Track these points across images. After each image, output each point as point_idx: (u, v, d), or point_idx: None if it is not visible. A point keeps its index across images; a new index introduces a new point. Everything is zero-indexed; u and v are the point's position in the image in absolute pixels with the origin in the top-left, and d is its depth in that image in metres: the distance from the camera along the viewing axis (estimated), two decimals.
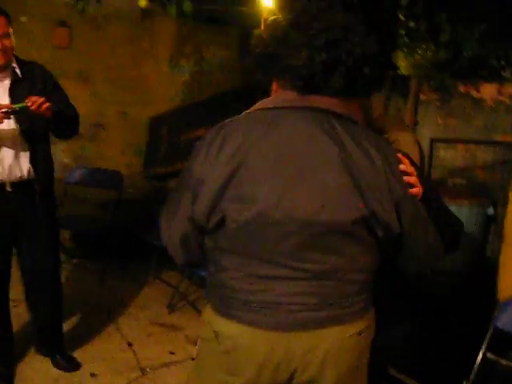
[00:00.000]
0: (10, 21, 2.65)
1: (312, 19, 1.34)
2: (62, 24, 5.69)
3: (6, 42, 2.57)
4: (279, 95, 1.40)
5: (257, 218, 1.31)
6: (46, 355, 3.05)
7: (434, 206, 1.47)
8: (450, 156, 3.82)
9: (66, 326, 3.31)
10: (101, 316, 3.54)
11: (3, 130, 2.60)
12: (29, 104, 2.47)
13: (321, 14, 1.35)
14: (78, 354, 3.11)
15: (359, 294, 1.42)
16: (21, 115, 2.56)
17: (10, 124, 2.62)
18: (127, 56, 5.73)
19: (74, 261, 4.32)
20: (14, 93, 2.62)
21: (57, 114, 2.61)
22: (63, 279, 3.79)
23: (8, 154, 2.66)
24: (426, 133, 4.08)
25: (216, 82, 6.06)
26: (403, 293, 2.19)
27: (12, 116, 2.56)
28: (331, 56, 1.30)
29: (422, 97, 4.14)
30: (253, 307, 1.38)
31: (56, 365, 3.00)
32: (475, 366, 2.27)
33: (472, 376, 2.26)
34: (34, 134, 2.71)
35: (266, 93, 1.48)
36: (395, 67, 4.16)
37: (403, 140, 3.94)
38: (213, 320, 1.45)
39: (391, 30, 3.61)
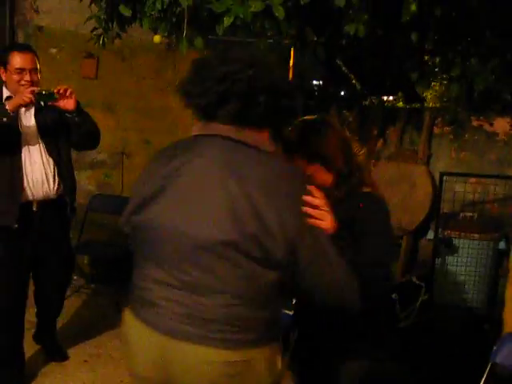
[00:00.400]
0: (37, 57, 2.95)
1: (215, 57, 1.49)
2: (90, 56, 5.90)
3: (34, 77, 2.87)
4: (195, 124, 1.56)
5: (143, 224, 1.50)
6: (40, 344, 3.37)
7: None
8: (462, 189, 3.84)
9: (82, 350, 3.40)
10: (115, 341, 3.58)
11: (30, 146, 2.86)
12: (56, 91, 2.73)
13: (224, 52, 1.49)
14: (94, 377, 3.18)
15: (230, 322, 1.40)
16: (47, 101, 2.77)
17: (35, 140, 2.88)
18: (151, 86, 5.90)
19: (92, 286, 4.40)
20: (39, 117, 2.91)
21: (80, 110, 2.84)
22: (80, 303, 3.92)
23: (35, 173, 2.87)
24: (439, 166, 4.12)
25: None
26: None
27: (37, 132, 2.87)
28: (223, 87, 1.42)
29: (435, 130, 4.19)
30: (142, 303, 1.50)
31: (48, 353, 3.33)
32: None
33: None
34: (58, 151, 2.95)
35: None
36: (420, 99, 4.23)
37: (416, 172, 4.00)
38: (125, 310, 1.60)
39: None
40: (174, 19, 2.79)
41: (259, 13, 2.63)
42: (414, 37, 3.12)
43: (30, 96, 2.70)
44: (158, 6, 2.65)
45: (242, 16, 2.61)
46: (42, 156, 2.92)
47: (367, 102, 4.41)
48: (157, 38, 3.04)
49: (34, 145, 2.89)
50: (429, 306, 3.84)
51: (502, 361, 2.27)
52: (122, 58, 5.80)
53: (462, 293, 3.73)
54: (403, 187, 4.14)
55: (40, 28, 5.62)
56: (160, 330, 1.45)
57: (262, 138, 1.49)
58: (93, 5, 3.39)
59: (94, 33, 3.55)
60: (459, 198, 3.83)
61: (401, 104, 4.70)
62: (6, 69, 2.88)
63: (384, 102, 4.27)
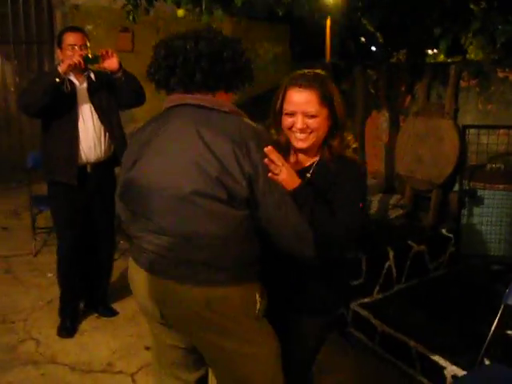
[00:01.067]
0: (86, 35, 3.28)
1: (167, 39, 1.74)
2: (125, 30, 6.12)
3: (85, 52, 3.20)
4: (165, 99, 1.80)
5: (128, 181, 1.77)
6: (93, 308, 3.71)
7: (303, 203, 1.68)
8: (489, 141, 3.87)
9: (129, 307, 3.70)
10: None
11: (84, 115, 3.23)
12: (99, 53, 3.12)
13: (175, 34, 1.75)
14: (140, 330, 3.48)
15: (207, 262, 1.65)
16: (93, 63, 3.15)
17: (88, 109, 3.25)
18: None
19: None
20: (92, 94, 3.27)
21: (124, 70, 3.20)
22: (126, 265, 4.20)
23: (89, 140, 3.26)
24: (467, 119, 4.15)
25: (270, 77, 6.29)
26: None
27: (90, 102, 3.24)
28: (169, 61, 1.68)
29: (462, 84, 4.21)
30: (138, 250, 1.78)
31: (100, 312, 3.68)
32: (487, 339, 2.40)
33: (482, 350, 2.39)
34: (109, 117, 3.31)
35: None
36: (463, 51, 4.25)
37: (443, 127, 4.07)
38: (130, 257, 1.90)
39: None
40: None
41: None
42: None
43: (79, 58, 3.05)
44: None
45: None
46: (94, 124, 3.29)
47: (394, 60, 4.45)
48: (180, 12, 3.20)
49: (87, 113, 3.26)
50: (457, 257, 3.96)
51: None
52: (156, 30, 5.98)
53: (488, 243, 3.82)
54: (431, 142, 4.21)
55: (76, 6, 5.85)
56: (150, 270, 1.73)
57: (218, 101, 1.71)
58: None
59: (126, 9, 3.74)
60: (484, 150, 3.86)
61: (442, 57, 4.72)
62: (61, 48, 3.23)
63: (420, 57, 4.28)
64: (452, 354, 2.90)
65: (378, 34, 4.33)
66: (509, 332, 2.86)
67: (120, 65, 3.20)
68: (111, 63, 3.17)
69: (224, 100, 1.73)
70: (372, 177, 5.09)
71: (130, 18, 3.67)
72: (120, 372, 3.10)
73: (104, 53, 3.16)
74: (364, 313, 3.42)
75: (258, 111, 6.33)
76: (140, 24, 5.62)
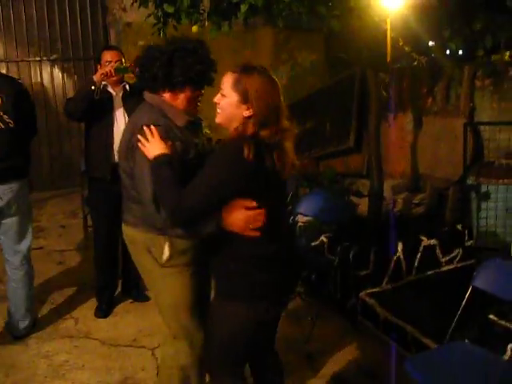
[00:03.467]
0: (123, 54, 3.80)
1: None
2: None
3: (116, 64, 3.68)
4: None
5: None
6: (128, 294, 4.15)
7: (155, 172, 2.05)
8: (502, 138, 3.97)
9: None
10: None
11: (117, 117, 3.68)
12: (128, 65, 3.59)
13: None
14: None
15: (130, 212, 2.33)
16: (123, 73, 3.62)
17: (122, 114, 3.69)
18: (232, 65, 6.47)
19: None
20: (125, 101, 3.72)
21: None
22: None
23: (120, 119, 3.70)
24: (483, 118, 4.25)
25: (308, 84, 6.58)
26: None
27: (123, 108, 3.70)
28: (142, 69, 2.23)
29: (477, 83, 4.32)
30: None
31: (135, 299, 4.10)
32: (455, 319, 2.59)
33: (451, 329, 2.58)
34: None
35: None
36: None
37: (459, 126, 4.23)
38: None
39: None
40: (202, 11, 3.30)
41: None
42: None
43: (110, 68, 3.53)
44: (185, 2, 3.19)
45: (253, 2, 3.06)
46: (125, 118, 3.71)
47: (415, 63, 4.63)
48: (194, 28, 3.57)
49: (121, 119, 3.71)
50: (472, 251, 4.07)
51: (478, 285, 2.57)
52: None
53: (501, 237, 3.91)
54: (447, 140, 4.35)
55: (128, 24, 6.39)
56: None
57: (161, 101, 2.22)
58: None
59: (157, 26, 4.16)
60: (494, 147, 3.97)
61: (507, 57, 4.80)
62: (100, 64, 3.74)
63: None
64: (443, 338, 3.06)
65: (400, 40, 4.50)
66: (490, 317, 2.99)
67: None
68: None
69: (164, 99, 2.22)
70: (399, 177, 5.26)
71: (161, 34, 4.06)
72: (142, 347, 3.49)
73: (132, 64, 3.61)
74: (370, 301, 3.63)
75: (296, 114, 6.63)
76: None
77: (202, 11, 3.45)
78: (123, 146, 2.22)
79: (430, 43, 4.39)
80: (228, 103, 1.99)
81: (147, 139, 2.07)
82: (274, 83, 2.01)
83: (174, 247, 2.26)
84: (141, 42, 6.46)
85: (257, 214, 1.99)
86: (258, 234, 2.01)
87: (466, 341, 2.67)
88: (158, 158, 2.04)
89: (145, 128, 2.08)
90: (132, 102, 3.72)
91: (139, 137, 2.08)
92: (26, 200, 3.49)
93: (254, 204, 1.98)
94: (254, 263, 2.09)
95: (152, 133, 2.07)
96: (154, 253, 2.27)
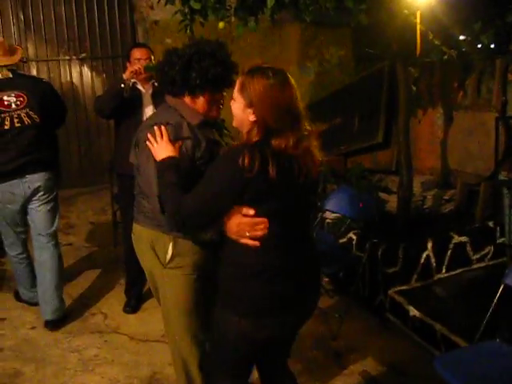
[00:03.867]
0: (151, 51, 3.88)
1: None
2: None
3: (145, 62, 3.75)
4: None
5: None
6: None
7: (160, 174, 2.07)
8: None
9: None
10: None
11: (146, 114, 3.67)
12: (156, 62, 3.61)
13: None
14: None
15: (140, 210, 2.37)
16: (152, 71, 3.57)
17: (150, 108, 3.72)
18: (260, 61, 6.45)
19: None
20: (155, 99, 3.73)
21: None
22: None
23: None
24: None
25: (336, 80, 6.53)
26: None
27: (151, 102, 3.74)
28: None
29: (509, 76, 4.22)
30: None
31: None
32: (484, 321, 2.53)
33: (482, 327, 2.52)
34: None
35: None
36: None
37: (490, 120, 4.17)
38: None
39: None
40: (228, 7, 3.29)
41: None
42: None
43: (140, 66, 3.61)
44: None
45: None
46: None
47: (446, 56, 4.54)
48: (221, 25, 3.56)
49: (149, 114, 3.61)
50: (504, 248, 3.99)
51: (511, 282, 2.51)
52: (230, 40, 6.42)
53: None
54: (479, 135, 4.26)
55: (156, 22, 6.42)
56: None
57: (179, 102, 2.24)
58: None
59: (184, 23, 4.16)
60: None
61: None
62: (130, 62, 3.80)
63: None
64: (473, 336, 3.01)
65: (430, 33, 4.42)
66: None
67: None
68: None
69: (183, 102, 2.25)
70: (429, 173, 5.18)
71: (188, 31, 4.06)
72: None
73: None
74: (399, 299, 3.58)
75: (324, 110, 6.61)
76: (214, 34, 6.11)
77: (228, 7, 3.44)
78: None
79: (461, 37, 4.31)
80: (237, 107, 1.95)
81: (156, 139, 2.10)
82: (285, 86, 1.88)
83: (177, 248, 2.24)
84: (168, 40, 6.49)
85: (255, 222, 1.90)
86: (257, 243, 1.92)
87: (497, 340, 2.61)
88: (164, 161, 2.06)
89: (155, 128, 2.10)
90: (162, 99, 3.84)
91: (148, 135, 2.11)
92: (53, 190, 3.71)
93: (251, 212, 1.90)
94: (249, 274, 1.97)
95: (162, 133, 2.10)
96: (158, 251, 2.27)
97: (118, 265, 4.66)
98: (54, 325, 3.68)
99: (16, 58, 3.62)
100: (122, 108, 3.63)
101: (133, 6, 6.54)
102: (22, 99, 3.47)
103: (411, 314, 3.44)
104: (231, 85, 2.18)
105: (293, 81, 1.93)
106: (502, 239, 4.03)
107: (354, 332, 3.55)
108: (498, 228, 4.03)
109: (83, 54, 6.43)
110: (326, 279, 4.21)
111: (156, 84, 3.78)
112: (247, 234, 1.91)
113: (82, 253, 5.07)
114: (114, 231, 5.19)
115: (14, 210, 3.61)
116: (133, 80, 3.76)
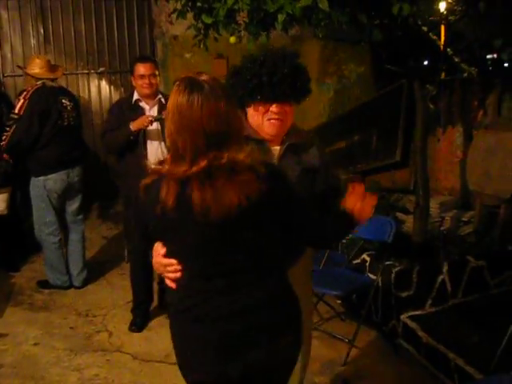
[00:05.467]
0: (156, 65, 3.84)
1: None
2: (220, 56, 6.57)
3: (152, 80, 3.73)
4: None
5: None
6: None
7: None
8: None
9: None
10: None
11: (151, 133, 3.74)
12: (164, 115, 3.54)
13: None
14: None
15: None
16: (160, 121, 3.64)
17: (156, 137, 3.75)
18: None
19: None
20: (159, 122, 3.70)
21: None
22: None
23: (152, 154, 3.70)
24: None
25: (355, 97, 6.42)
26: None
27: (159, 132, 3.73)
28: None
29: None
30: None
31: None
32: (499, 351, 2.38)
33: (496, 357, 2.37)
34: None
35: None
36: None
37: (508, 140, 4.03)
38: None
39: None
40: (239, 22, 3.24)
41: (309, 7, 2.98)
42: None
43: (148, 121, 3.59)
44: (221, 12, 3.13)
45: (291, 12, 2.97)
46: (160, 143, 3.74)
47: (466, 74, 4.43)
48: (232, 39, 3.51)
49: (155, 134, 3.74)
50: None
51: None
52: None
53: None
54: (499, 156, 4.11)
55: (175, 37, 6.40)
56: None
57: None
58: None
59: (198, 38, 4.13)
60: None
61: None
62: (133, 76, 3.75)
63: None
64: (488, 368, 2.86)
65: (449, 50, 4.33)
66: None
67: None
68: None
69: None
70: (448, 193, 5.03)
71: (201, 46, 4.01)
72: (175, 363, 3.38)
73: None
74: (412, 324, 3.44)
75: (342, 128, 6.48)
76: (232, 50, 6.07)
77: (240, 22, 3.38)
78: None
79: (482, 54, 4.20)
80: None
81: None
82: (198, 103, 1.60)
83: None
84: (187, 55, 6.48)
85: (166, 263, 1.73)
86: (173, 286, 1.75)
87: None
88: None
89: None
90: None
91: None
92: (82, 182, 4.51)
93: (162, 251, 1.74)
94: (171, 316, 1.85)
95: None
96: None
97: (127, 281, 4.59)
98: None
99: (59, 74, 4.52)
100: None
101: (152, 20, 6.54)
102: (72, 104, 4.37)
103: (424, 340, 3.29)
104: None
105: (219, 98, 1.63)
106: None
107: (364, 358, 3.42)
108: None
109: (102, 68, 6.44)
110: (338, 301, 4.09)
111: (163, 100, 3.73)
112: (164, 275, 1.76)
113: (92, 267, 5.01)
114: (126, 247, 5.14)
115: (62, 197, 4.36)
116: (135, 97, 3.76)
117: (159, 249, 1.75)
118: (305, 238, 1.89)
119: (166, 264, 1.73)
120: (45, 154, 4.21)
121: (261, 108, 2.06)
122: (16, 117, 4.12)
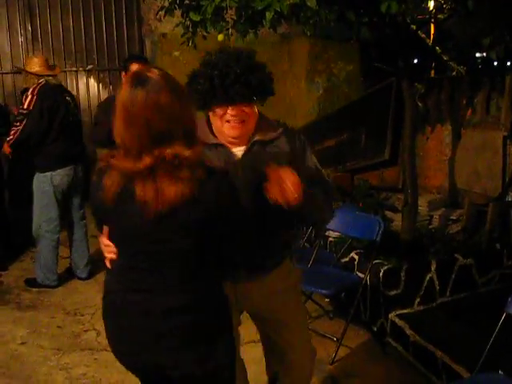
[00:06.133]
0: (149, 63, 4.02)
1: None
2: (208, 54, 6.53)
3: None
4: None
5: None
6: None
7: None
8: None
9: None
10: None
11: None
12: None
13: None
14: None
15: None
16: None
17: None
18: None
19: None
20: None
21: None
22: None
23: None
24: None
25: (344, 95, 6.43)
26: None
27: None
28: None
29: None
30: None
31: None
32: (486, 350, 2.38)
33: (482, 358, 2.38)
34: None
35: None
36: None
37: (499, 139, 4.04)
38: None
39: None
40: (227, 19, 3.22)
41: (297, 4, 2.96)
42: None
43: None
44: (209, 9, 3.11)
45: (279, 10, 2.95)
46: None
47: (454, 73, 4.44)
48: (220, 37, 3.47)
49: None
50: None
51: None
52: None
53: None
54: (487, 155, 4.12)
55: (164, 34, 6.38)
56: None
57: None
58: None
59: (186, 36, 4.10)
60: None
61: None
62: (126, 74, 3.83)
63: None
64: (475, 367, 2.85)
65: (438, 49, 4.34)
66: None
67: None
68: None
69: None
70: (437, 191, 5.04)
71: (190, 44, 3.98)
72: None
73: None
74: (400, 323, 3.44)
75: (331, 126, 6.49)
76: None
77: (228, 20, 3.36)
78: None
79: (471, 52, 4.21)
80: None
81: None
82: (142, 98, 1.59)
83: None
84: (176, 53, 6.46)
85: (105, 243, 1.79)
86: (108, 265, 1.81)
87: (500, 372, 2.47)
88: None
89: None
90: None
91: None
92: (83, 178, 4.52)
93: (105, 231, 1.79)
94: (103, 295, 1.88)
95: None
96: None
97: None
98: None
99: (57, 71, 4.56)
100: None
101: (141, 18, 6.51)
102: (73, 101, 4.49)
103: (412, 339, 3.29)
104: None
105: (163, 94, 1.60)
106: (510, 262, 3.88)
107: (353, 356, 3.42)
108: (505, 251, 3.88)
109: (90, 66, 6.42)
110: (327, 300, 4.08)
111: None
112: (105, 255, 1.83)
113: None
114: None
115: (67, 192, 4.42)
116: None
117: (104, 230, 1.81)
118: (237, 251, 1.86)
119: (105, 244, 1.80)
120: (53, 149, 4.28)
121: (218, 111, 1.97)
122: (26, 112, 4.19)
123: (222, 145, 2.04)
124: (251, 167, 1.99)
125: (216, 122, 2.01)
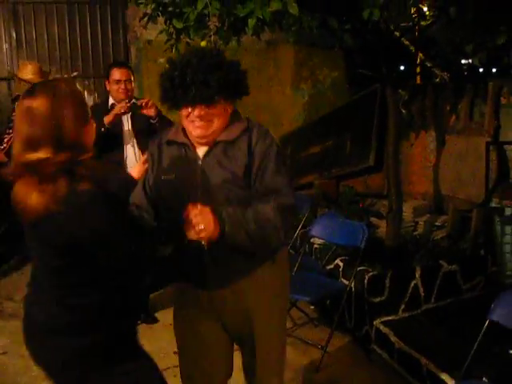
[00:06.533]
0: (132, 71, 3.87)
1: None
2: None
3: (128, 86, 3.76)
4: None
5: None
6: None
7: None
8: None
9: (168, 316, 3.97)
10: None
11: (128, 144, 3.75)
12: (139, 103, 3.59)
13: None
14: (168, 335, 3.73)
15: None
16: (135, 110, 3.62)
17: (131, 140, 3.74)
18: (255, 82, 6.38)
19: None
20: (134, 118, 3.74)
21: (161, 117, 3.63)
22: None
23: (130, 155, 3.74)
24: (509, 136, 4.04)
25: (329, 101, 6.45)
26: None
27: (132, 134, 3.74)
28: None
29: (502, 101, 4.12)
30: None
31: (143, 321, 4.00)
32: (470, 354, 2.38)
33: (465, 366, 2.37)
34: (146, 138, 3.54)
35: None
36: None
37: (482, 145, 4.05)
38: None
39: None
40: (210, 26, 3.21)
41: (279, 11, 2.96)
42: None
43: (126, 107, 3.58)
44: (191, 17, 3.10)
45: (261, 17, 2.95)
46: (135, 151, 3.75)
47: (438, 80, 4.46)
48: (203, 44, 3.48)
49: (129, 143, 3.75)
50: (496, 278, 3.84)
51: (498, 319, 2.36)
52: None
53: None
54: (471, 161, 4.15)
55: (149, 41, 6.34)
56: None
57: None
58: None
59: (170, 43, 4.09)
60: None
61: None
62: (109, 81, 3.75)
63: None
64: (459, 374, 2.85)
65: (421, 55, 4.36)
66: (511, 352, 2.78)
67: (157, 113, 3.60)
68: (149, 111, 3.59)
69: None
70: (421, 198, 5.06)
71: (174, 50, 3.97)
72: None
73: (144, 104, 3.59)
74: (385, 330, 3.43)
75: (317, 133, 6.47)
76: None
77: (211, 27, 3.36)
78: None
79: (454, 59, 4.23)
80: None
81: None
82: (22, 108, 1.62)
83: None
84: (161, 60, 6.42)
85: None
86: None
87: (484, 379, 2.47)
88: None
89: None
90: (140, 125, 3.73)
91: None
92: None
93: None
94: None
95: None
96: None
97: None
98: None
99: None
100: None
101: (126, 25, 6.49)
102: None
103: (397, 346, 3.29)
104: None
105: (39, 102, 1.59)
106: (494, 268, 3.89)
107: (338, 364, 3.40)
108: (490, 257, 3.89)
109: (75, 73, 6.37)
110: (311, 307, 4.07)
111: (136, 102, 3.70)
112: None
113: None
114: None
115: None
116: (111, 102, 3.76)
117: None
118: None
119: None
120: None
121: (183, 111, 1.94)
122: None
123: (187, 144, 2.03)
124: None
125: (184, 122, 2.00)
